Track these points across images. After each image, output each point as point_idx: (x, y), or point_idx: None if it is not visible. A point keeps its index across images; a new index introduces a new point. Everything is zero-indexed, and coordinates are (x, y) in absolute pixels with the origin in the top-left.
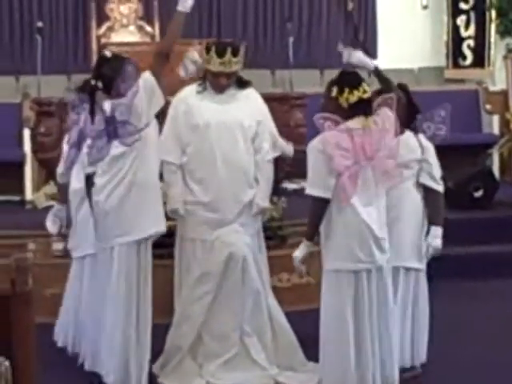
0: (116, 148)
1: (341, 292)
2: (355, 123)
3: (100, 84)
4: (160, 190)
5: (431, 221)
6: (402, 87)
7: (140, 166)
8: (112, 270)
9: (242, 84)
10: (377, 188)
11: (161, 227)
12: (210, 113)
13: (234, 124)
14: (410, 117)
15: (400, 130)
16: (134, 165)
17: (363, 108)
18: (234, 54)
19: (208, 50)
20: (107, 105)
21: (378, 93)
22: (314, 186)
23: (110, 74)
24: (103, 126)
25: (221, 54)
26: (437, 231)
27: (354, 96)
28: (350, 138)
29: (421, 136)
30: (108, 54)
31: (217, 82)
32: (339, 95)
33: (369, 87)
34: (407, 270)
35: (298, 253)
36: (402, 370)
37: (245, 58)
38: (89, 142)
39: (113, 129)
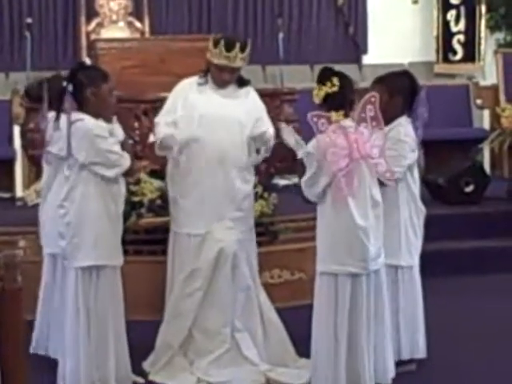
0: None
1: (334, 293)
2: (347, 121)
3: (71, 87)
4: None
5: None
6: (407, 74)
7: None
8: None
9: (242, 82)
10: (372, 187)
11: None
12: (207, 106)
13: (232, 119)
14: (409, 105)
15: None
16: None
17: (332, 103)
18: (242, 49)
19: (216, 43)
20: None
21: (377, 81)
22: (305, 187)
23: (83, 80)
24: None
25: (230, 48)
26: None
27: (322, 91)
28: (345, 135)
29: (402, 125)
30: (88, 62)
31: (220, 77)
32: (314, 92)
33: (345, 81)
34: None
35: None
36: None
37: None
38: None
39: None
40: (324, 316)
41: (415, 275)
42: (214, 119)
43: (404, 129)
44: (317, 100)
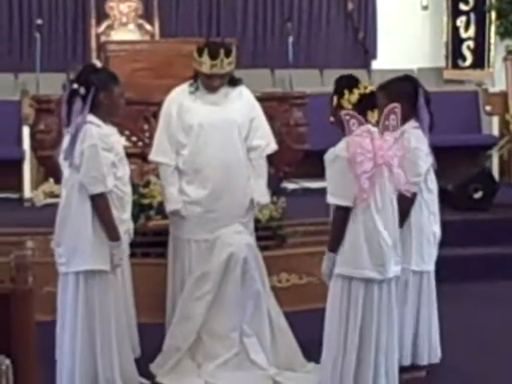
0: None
1: (347, 297)
2: (369, 118)
3: (82, 91)
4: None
5: None
6: (409, 78)
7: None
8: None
9: (234, 82)
10: (392, 194)
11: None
12: (203, 113)
13: (228, 123)
14: (414, 109)
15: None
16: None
17: (368, 103)
18: (227, 54)
19: (200, 52)
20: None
21: (380, 89)
22: (336, 195)
23: (96, 84)
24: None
25: (214, 56)
26: None
27: (355, 94)
28: (371, 140)
29: (408, 131)
30: (98, 64)
31: (210, 84)
32: (341, 99)
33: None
34: None
35: (324, 267)
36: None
37: (238, 58)
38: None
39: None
40: (335, 320)
41: (426, 281)
42: (210, 126)
43: (412, 135)
44: (348, 105)
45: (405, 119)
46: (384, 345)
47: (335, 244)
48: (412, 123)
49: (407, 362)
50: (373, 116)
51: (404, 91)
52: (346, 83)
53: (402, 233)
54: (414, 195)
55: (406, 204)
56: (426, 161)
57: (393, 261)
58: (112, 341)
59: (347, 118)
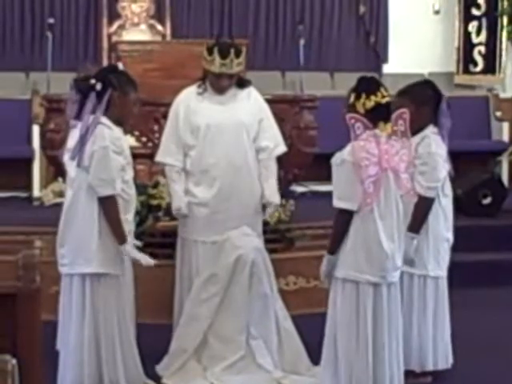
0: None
1: (355, 302)
2: (379, 130)
3: (99, 86)
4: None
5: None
6: (429, 84)
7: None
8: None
9: (242, 84)
10: (398, 198)
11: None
12: (210, 114)
13: (236, 124)
14: (434, 114)
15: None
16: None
17: (381, 113)
18: (237, 55)
19: (210, 51)
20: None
21: (401, 93)
22: (342, 198)
23: (113, 83)
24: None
25: (224, 55)
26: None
27: (371, 101)
28: (377, 144)
29: (429, 137)
30: (121, 67)
31: (218, 83)
32: (356, 101)
33: (387, 92)
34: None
35: (323, 269)
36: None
37: (249, 60)
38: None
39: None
40: (345, 325)
41: (442, 286)
42: (218, 127)
43: (433, 140)
44: (361, 109)
45: (425, 124)
46: (395, 349)
47: (335, 246)
48: (431, 128)
49: (429, 367)
50: (385, 128)
51: (428, 96)
52: (366, 86)
53: (418, 238)
54: (432, 200)
55: (423, 209)
56: (444, 167)
57: (392, 266)
58: (115, 342)
59: (352, 121)
